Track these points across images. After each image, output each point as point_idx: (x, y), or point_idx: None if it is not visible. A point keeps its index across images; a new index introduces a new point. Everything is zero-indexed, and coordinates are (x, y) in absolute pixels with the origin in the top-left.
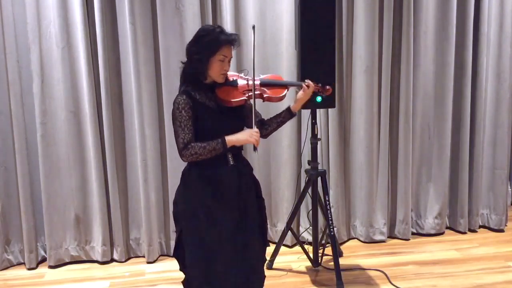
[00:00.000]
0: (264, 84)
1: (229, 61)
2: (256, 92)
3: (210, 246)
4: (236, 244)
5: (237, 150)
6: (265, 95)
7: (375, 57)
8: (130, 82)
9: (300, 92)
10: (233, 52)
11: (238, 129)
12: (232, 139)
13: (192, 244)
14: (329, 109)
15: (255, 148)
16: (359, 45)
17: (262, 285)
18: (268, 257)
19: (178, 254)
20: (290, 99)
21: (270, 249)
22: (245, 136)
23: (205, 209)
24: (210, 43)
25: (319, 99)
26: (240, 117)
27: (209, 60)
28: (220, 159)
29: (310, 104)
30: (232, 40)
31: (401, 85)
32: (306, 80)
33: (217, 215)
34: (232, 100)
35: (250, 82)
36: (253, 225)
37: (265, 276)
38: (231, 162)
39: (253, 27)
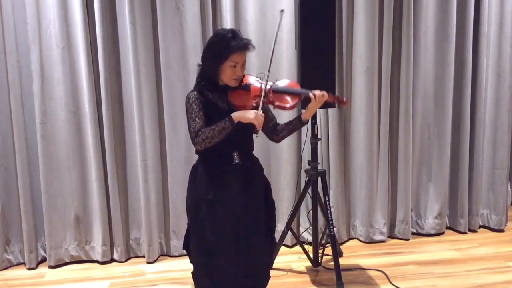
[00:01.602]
0: (276, 91)
1: (242, 66)
2: (267, 99)
3: (211, 241)
4: (238, 242)
5: (245, 149)
6: (276, 103)
7: (375, 57)
8: (130, 82)
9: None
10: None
11: (248, 131)
12: (237, 115)
13: (195, 237)
14: (329, 109)
15: (256, 131)
16: (359, 45)
17: (265, 285)
18: None
19: (187, 246)
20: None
21: None
22: (251, 115)
23: (209, 205)
24: (221, 50)
25: None
26: None
27: (220, 66)
28: (226, 157)
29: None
30: (243, 46)
31: (401, 85)
32: (313, 92)
33: (218, 211)
34: (241, 105)
35: (263, 87)
36: (259, 225)
37: (269, 277)
38: (237, 161)
39: (282, 10)
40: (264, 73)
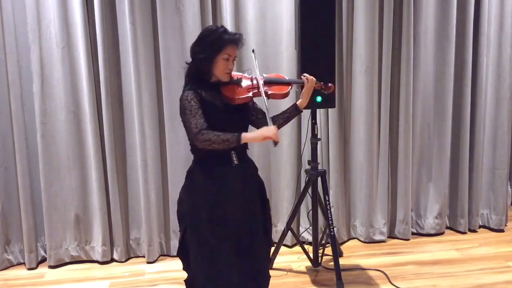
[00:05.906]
0: (267, 82)
1: (233, 60)
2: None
3: (213, 245)
4: (240, 244)
5: (241, 149)
6: (269, 92)
7: (375, 57)
8: (130, 82)
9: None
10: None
11: (244, 127)
12: (248, 136)
13: (196, 243)
14: (329, 109)
15: (275, 143)
16: (359, 45)
17: (267, 286)
18: None
19: (182, 254)
20: (292, 98)
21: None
22: (261, 132)
23: (209, 208)
24: (215, 42)
25: (319, 99)
26: (246, 115)
27: (214, 59)
28: (225, 158)
29: (310, 104)
30: (236, 39)
31: (401, 85)
32: (304, 74)
33: (220, 215)
34: (237, 97)
35: (255, 81)
36: (258, 226)
37: (270, 277)
38: (235, 162)
39: (253, 51)
40: (250, 69)
